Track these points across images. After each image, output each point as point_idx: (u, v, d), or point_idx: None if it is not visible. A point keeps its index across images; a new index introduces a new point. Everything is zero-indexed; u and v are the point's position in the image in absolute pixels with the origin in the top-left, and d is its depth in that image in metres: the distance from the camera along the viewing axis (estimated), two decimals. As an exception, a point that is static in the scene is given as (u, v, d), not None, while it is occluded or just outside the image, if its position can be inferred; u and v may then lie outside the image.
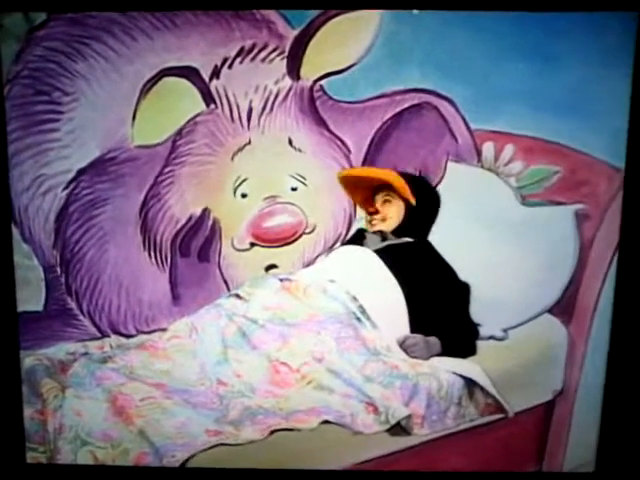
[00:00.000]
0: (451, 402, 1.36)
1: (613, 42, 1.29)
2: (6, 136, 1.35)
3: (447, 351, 1.40)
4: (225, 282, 1.44)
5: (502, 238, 1.40)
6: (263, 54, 1.35)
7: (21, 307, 1.41)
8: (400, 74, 1.34)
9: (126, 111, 1.36)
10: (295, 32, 1.34)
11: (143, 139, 1.38)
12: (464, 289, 1.42)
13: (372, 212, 1.46)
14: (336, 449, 1.31)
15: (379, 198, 1.46)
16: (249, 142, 1.41)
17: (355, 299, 1.39)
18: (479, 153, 1.39)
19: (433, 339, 1.40)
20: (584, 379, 1.43)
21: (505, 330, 1.43)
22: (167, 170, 1.40)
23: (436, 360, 1.39)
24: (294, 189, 1.43)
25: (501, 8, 1.28)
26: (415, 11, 1.31)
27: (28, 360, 1.40)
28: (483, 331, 1.43)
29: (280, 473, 1.33)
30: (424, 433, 1.33)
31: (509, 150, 1.38)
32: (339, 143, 1.41)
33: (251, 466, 1.29)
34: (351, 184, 1.44)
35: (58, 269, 1.41)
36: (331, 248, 1.46)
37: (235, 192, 1.42)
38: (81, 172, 1.38)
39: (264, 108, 1.38)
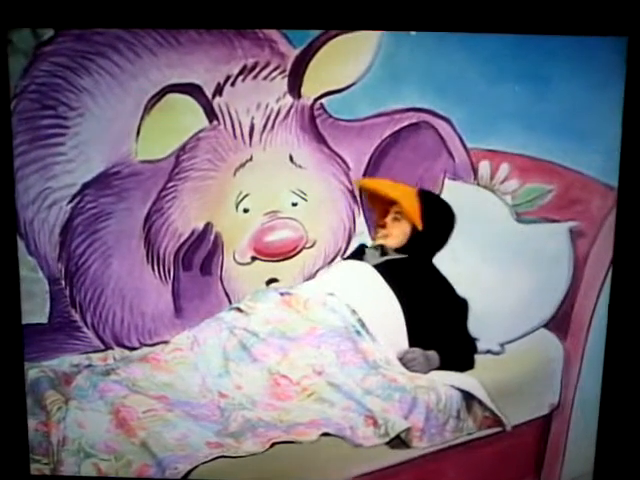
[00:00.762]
0: (450, 415, 1.37)
1: (605, 65, 1.32)
2: (12, 150, 1.37)
3: (445, 365, 1.42)
4: (227, 295, 1.46)
5: (498, 254, 1.42)
6: (265, 72, 1.37)
7: (26, 319, 1.42)
8: (398, 94, 1.37)
9: (130, 126, 1.38)
10: (296, 51, 1.37)
11: (147, 154, 1.40)
12: (462, 304, 1.43)
13: (380, 225, 1.47)
14: (336, 462, 1.33)
15: (392, 212, 1.47)
16: (251, 158, 1.43)
17: (354, 312, 1.40)
18: (475, 171, 1.42)
19: (432, 353, 1.41)
20: (580, 392, 1.44)
21: (502, 344, 1.45)
22: (170, 185, 1.42)
23: (434, 374, 1.41)
24: (295, 204, 1.45)
25: (497, 31, 1.31)
26: (413, 32, 1.34)
27: (32, 372, 1.41)
28: (480, 345, 1.45)
29: (280, 485, 1.35)
30: (423, 446, 1.35)
31: (505, 169, 1.40)
32: (339, 160, 1.44)
33: (252, 478, 1.30)
34: (368, 194, 1.45)
35: (63, 282, 1.43)
36: (331, 262, 1.48)
37: (237, 207, 1.44)
38: (86, 186, 1.40)
39: (265, 125, 1.41)
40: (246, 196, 1.44)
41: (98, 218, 1.42)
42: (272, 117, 1.41)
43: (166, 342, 1.43)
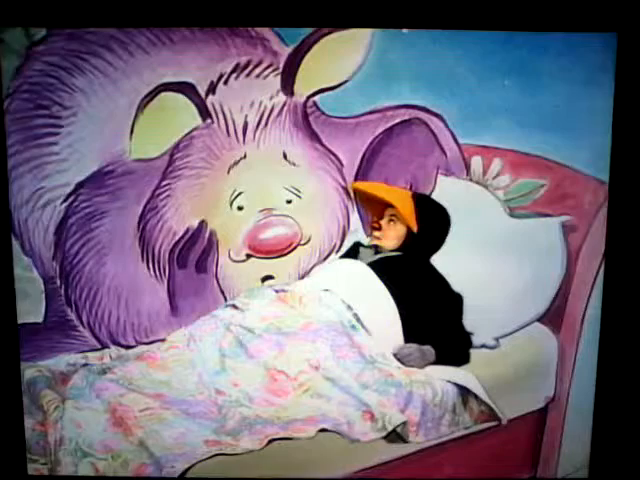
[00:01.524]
0: (446, 410, 1.38)
1: (595, 60, 1.33)
2: (6, 150, 1.37)
3: (441, 360, 1.43)
4: (222, 293, 1.47)
5: (491, 249, 1.43)
6: (258, 70, 1.38)
7: (21, 319, 1.42)
8: (391, 90, 1.38)
9: (124, 125, 1.38)
10: (289, 49, 1.37)
11: (140, 153, 1.40)
12: (457, 299, 1.44)
13: (375, 227, 1.48)
14: (333, 458, 1.34)
15: (387, 215, 1.47)
16: (245, 156, 1.43)
17: (350, 307, 1.41)
18: (468, 167, 1.43)
19: (428, 348, 1.42)
20: (575, 385, 1.46)
21: (497, 339, 1.46)
22: (164, 183, 1.43)
23: (430, 368, 1.42)
24: (289, 202, 1.45)
25: (488, 28, 1.32)
26: (405, 30, 1.34)
27: (29, 372, 1.41)
28: (475, 340, 1.46)
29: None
30: (419, 440, 1.36)
31: (497, 164, 1.41)
32: (332, 157, 1.44)
33: (250, 476, 1.30)
34: (363, 196, 1.46)
35: (58, 281, 1.43)
36: (326, 259, 1.49)
37: (231, 205, 1.45)
38: (80, 185, 1.40)
39: (259, 123, 1.41)
40: (240, 194, 1.45)
41: (92, 217, 1.42)
42: (265, 115, 1.41)
43: (162, 340, 1.44)
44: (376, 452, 1.35)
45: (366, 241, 1.50)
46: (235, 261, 1.46)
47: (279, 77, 1.38)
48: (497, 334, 1.46)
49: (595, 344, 1.43)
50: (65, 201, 1.40)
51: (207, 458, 1.26)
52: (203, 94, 1.38)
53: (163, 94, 1.37)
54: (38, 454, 1.37)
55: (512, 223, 1.43)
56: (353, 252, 1.50)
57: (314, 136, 1.43)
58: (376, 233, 1.48)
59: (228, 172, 1.44)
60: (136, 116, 1.37)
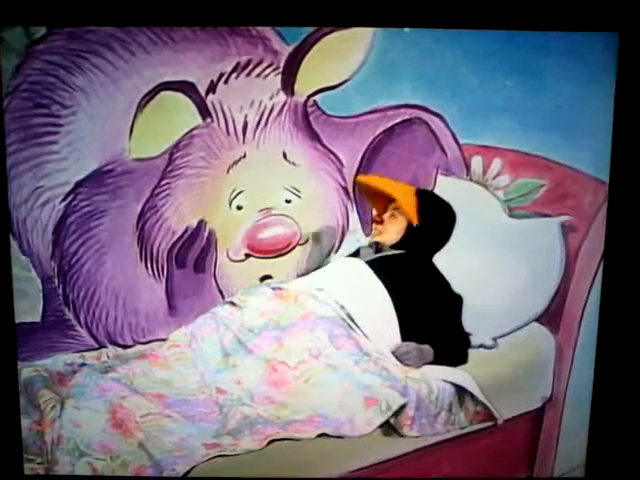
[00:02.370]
0: (442, 408, 1.38)
1: (596, 60, 1.34)
2: (5, 148, 1.37)
3: (439, 360, 1.43)
4: (220, 292, 1.47)
5: (491, 249, 1.44)
6: (258, 70, 1.38)
7: (19, 318, 1.41)
8: (391, 90, 1.38)
9: (124, 124, 1.38)
10: (290, 48, 1.38)
11: (140, 152, 1.40)
12: (457, 300, 1.45)
13: (377, 221, 1.48)
14: (332, 457, 1.33)
15: (390, 209, 1.47)
16: (244, 155, 1.44)
17: (343, 307, 1.41)
18: (468, 167, 1.44)
19: (426, 347, 1.42)
20: (572, 385, 1.46)
21: (495, 339, 1.47)
22: (164, 182, 1.43)
23: (427, 367, 1.41)
24: (288, 201, 1.46)
25: (489, 27, 1.33)
26: (406, 29, 1.35)
27: (26, 371, 1.40)
28: (473, 340, 1.46)
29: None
30: (413, 435, 1.35)
31: (497, 164, 1.42)
32: (332, 157, 1.45)
33: (250, 476, 1.30)
34: (367, 191, 1.46)
35: (56, 280, 1.43)
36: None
37: (230, 204, 1.45)
38: (79, 184, 1.40)
39: (259, 122, 1.42)
40: (240, 193, 1.45)
41: (91, 216, 1.41)
42: (265, 114, 1.41)
43: (160, 340, 1.43)
44: (375, 451, 1.35)
45: (366, 241, 1.51)
46: (234, 260, 1.47)
47: (279, 76, 1.39)
48: (495, 334, 1.47)
49: (593, 344, 1.44)
50: (64, 200, 1.40)
51: (207, 460, 1.25)
52: (203, 93, 1.38)
53: (163, 93, 1.37)
54: (34, 454, 1.35)
55: (511, 223, 1.44)
56: (353, 254, 1.51)
57: (314, 136, 1.44)
58: (378, 227, 1.48)
59: (228, 171, 1.44)
60: (136, 115, 1.38)
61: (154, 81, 1.36)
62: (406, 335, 1.43)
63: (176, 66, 1.36)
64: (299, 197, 1.46)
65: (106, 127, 1.38)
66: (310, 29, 1.35)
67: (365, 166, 1.45)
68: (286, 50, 1.37)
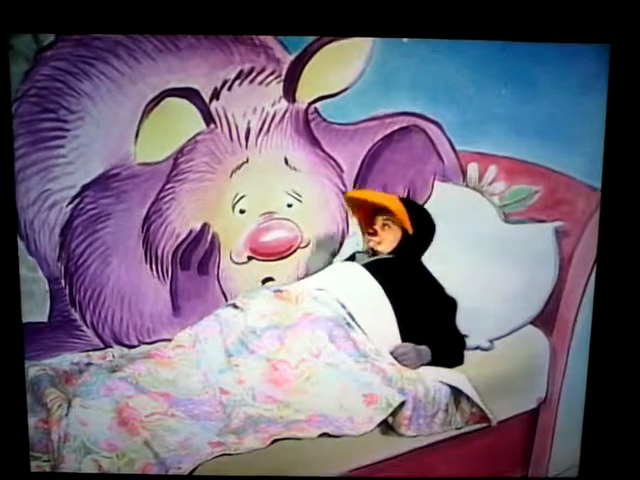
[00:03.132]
0: (439, 408, 1.40)
1: (589, 70, 1.37)
2: (13, 152, 1.40)
3: (436, 361, 1.45)
4: (224, 294, 1.50)
5: (487, 253, 1.46)
6: (261, 77, 1.41)
7: (26, 318, 1.44)
8: (390, 98, 1.41)
9: (129, 130, 1.41)
10: (291, 57, 1.41)
11: (145, 157, 1.43)
12: (451, 303, 1.47)
13: (371, 233, 1.51)
14: (333, 456, 1.35)
15: (379, 220, 1.51)
16: (247, 161, 1.47)
17: (344, 306, 1.44)
18: (464, 173, 1.46)
19: (424, 348, 1.45)
20: (567, 387, 1.49)
21: (491, 341, 1.49)
22: (168, 187, 1.45)
23: (423, 369, 1.43)
24: (290, 205, 1.49)
25: (485, 37, 1.36)
26: (405, 39, 1.38)
27: (33, 370, 1.42)
28: (470, 341, 1.49)
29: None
30: (411, 434, 1.38)
31: (492, 170, 1.45)
32: (332, 162, 1.48)
33: (254, 473, 1.32)
34: (356, 204, 1.49)
35: (62, 281, 1.45)
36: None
37: (233, 208, 1.48)
38: (85, 188, 1.43)
39: (261, 129, 1.45)
40: (242, 197, 1.48)
41: (97, 219, 1.44)
42: (268, 121, 1.44)
43: (164, 340, 1.46)
44: (374, 450, 1.37)
45: (363, 247, 1.54)
46: (236, 263, 1.49)
47: (281, 84, 1.42)
48: (491, 336, 1.49)
49: (586, 346, 1.47)
50: (71, 203, 1.43)
51: (212, 458, 1.27)
52: (207, 100, 1.41)
53: (168, 99, 1.40)
54: (41, 451, 1.38)
55: (507, 228, 1.47)
56: (350, 257, 1.53)
57: (315, 142, 1.46)
58: (374, 239, 1.51)
59: (231, 176, 1.47)
60: (141, 121, 1.40)
61: (159, 88, 1.39)
62: (405, 335, 1.45)
63: (181, 73, 1.39)
64: (300, 201, 1.49)
65: (112, 132, 1.41)
66: (311, 38, 1.39)
67: (364, 171, 1.47)
68: (288, 58, 1.41)
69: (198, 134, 1.44)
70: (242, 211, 1.48)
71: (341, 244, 1.53)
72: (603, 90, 1.37)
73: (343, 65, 1.40)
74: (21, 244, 1.43)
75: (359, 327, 1.42)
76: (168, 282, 1.48)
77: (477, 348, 1.49)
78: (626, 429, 1.47)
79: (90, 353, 1.46)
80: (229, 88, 1.41)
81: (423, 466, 1.43)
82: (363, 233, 1.53)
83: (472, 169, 1.46)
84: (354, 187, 1.49)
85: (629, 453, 1.47)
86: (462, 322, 1.48)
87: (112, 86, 1.39)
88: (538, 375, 1.48)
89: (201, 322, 1.44)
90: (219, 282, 1.49)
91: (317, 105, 1.44)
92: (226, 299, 1.49)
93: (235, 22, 1.36)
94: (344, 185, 1.49)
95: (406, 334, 1.45)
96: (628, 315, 1.44)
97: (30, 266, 1.44)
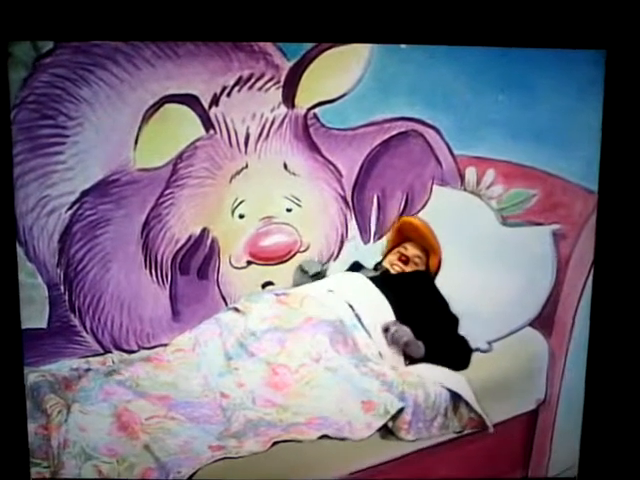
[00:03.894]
0: (438, 412, 1.41)
1: (585, 76, 1.39)
2: (12, 158, 1.39)
3: (442, 361, 1.46)
4: (223, 299, 1.50)
5: (485, 256, 1.47)
6: (260, 83, 1.42)
7: (25, 324, 1.43)
8: (388, 104, 1.42)
9: (129, 136, 1.41)
10: (290, 63, 1.41)
11: (145, 162, 1.43)
12: (453, 321, 1.48)
13: (402, 260, 1.53)
14: (333, 459, 1.36)
15: (412, 250, 1.52)
16: (246, 166, 1.47)
17: (352, 307, 1.45)
18: (462, 177, 1.48)
19: (421, 344, 1.45)
20: (565, 388, 1.50)
21: (490, 343, 1.50)
22: (168, 192, 1.46)
23: (424, 371, 1.45)
24: (289, 210, 1.49)
25: (483, 43, 1.38)
26: (403, 45, 1.39)
27: (32, 376, 1.42)
28: (469, 344, 1.49)
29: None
30: (410, 438, 1.39)
31: (490, 174, 1.46)
32: (331, 167, 1.49)
33: (255, 477, 1.32)
34: (408, 231, 1.50)
35: (62, 287, 1.45)
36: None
37: (233, 213, 1.48)
38: (85, 193, 1.42)
39: (261, 134, 1.45)
40: (242, 202, 1.48)
41: (97, 225, 1.44)
42: (267, 126, 1.45)
43: (165, 345, 1.46)
44: (374, 453, 1.38)
45: (365, 252, 1.54)
46: (236, 268, 1.50)
47: (280, 90, 1.43)
48: (490, 338, 1.50)
49: (584, 348, 1.48)
50: (70, 209, 1.43)
51: (212, 462, 1.28)
52: (206, 106, 1.42)
53: (167, 106, 1.40)
54: (41, 458, 1.38)
55: (504, 231, 1.48)
56: (354, 269, 1.54)
57: (314, 147, 1.47)
58: (400, 264, 1.53)
59: (230, 181, 1.47)
60: (140, 127, 1.40)
61: (159, 94, 1.39)
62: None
63: (180, 79, 1.39)
64: (299, 206, 1.49)
65: (111, 138, 1.41)
66: (310, 45, 1.39)
67: (363, 176, 1.48)
68: (287, 65, 1.41)
69: (197, 140, 1.44)
70: (241, 216, 1.48)
71: (340, 248, 1.53)
72: (599, 95, 1.39)
73: (342, 71, 1.41)
74: (20, 250, 1.43)
75: (365, 329, 1.43)
76: (168, 287, 1.48)
77: (476, 350, 1.49)
78: (625, 429, 1.48)
79: (90, 359, 1.46)
80: (228, 94, 1.42)
81: (423, 468, 1.44)
82: (387, 253, 1.54)
83: (470, 173, 1.47)
84: (353, 192, 1.49)
85: (628, 453, 1.48)
86: (461, 324, 1.49)
87: (111, 92, 1.39)
88: (537, 376, 1.50)
89: (201, 325, 1.45)
90: (219, 287, 1.49)
91: (316, 111, 1.45)
92: (226, 304, 1.49)
93: (234, 29, 1.36)
94: (343, 190, 1.50)
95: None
96: (626, 317, 1.45)
97: (29, 272, 1.43)
